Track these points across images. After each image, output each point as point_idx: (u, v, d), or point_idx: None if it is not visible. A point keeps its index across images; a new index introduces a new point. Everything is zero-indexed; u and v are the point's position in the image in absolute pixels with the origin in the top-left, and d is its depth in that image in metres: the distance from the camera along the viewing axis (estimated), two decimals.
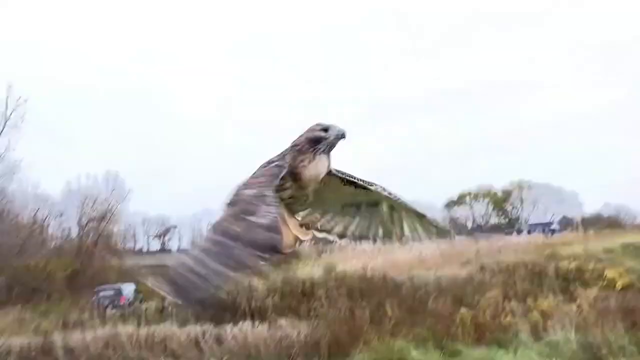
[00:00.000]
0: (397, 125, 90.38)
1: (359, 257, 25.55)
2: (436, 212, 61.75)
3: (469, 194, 65.01)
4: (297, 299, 17.08)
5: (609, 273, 17.34)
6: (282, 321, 12.83)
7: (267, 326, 12.50)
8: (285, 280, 18.61)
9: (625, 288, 15.73)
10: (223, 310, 15.48)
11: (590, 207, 66.30)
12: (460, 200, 65.01)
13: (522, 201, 63.59)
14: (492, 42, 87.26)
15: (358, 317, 12.15)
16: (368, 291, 17.13)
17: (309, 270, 22.51)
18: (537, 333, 10.75)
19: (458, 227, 58.00)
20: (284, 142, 1.98)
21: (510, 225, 58.34)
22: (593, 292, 13.33)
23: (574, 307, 11.91)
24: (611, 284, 16.29)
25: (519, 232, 45.69)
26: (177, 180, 76.78)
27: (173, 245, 59.46)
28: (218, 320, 13.88)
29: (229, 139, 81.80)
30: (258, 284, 17.97)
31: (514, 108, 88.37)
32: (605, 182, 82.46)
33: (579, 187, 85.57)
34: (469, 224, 62.80)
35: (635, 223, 49.85)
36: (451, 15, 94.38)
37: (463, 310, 11.68)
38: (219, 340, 11.82)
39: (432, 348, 10.24)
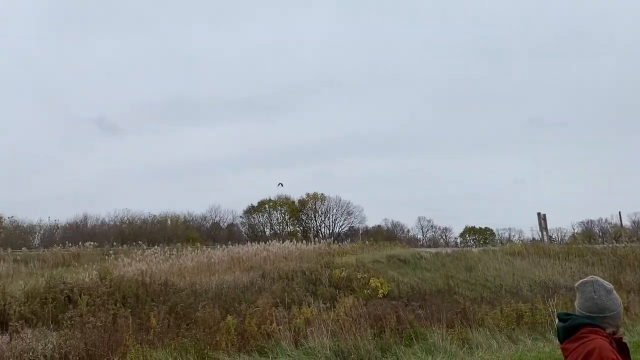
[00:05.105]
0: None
1: (144, 261, 24.80)
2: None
3: (269, 201, 66.42)
4: (61, 306, 15.57)
5: (373, 282, 18.83)
6: (29, 331, 11.38)
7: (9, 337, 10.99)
8: (50, 286, 16.86)
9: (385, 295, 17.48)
10: None
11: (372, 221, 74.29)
12: (259, 207, 66.42)
13: (315, 211, 67.04)
14: None
15: (120, 325, 11.28)
16: (144, 297, 16.50)
17: (82, 274, 20.44)
18: (298, 340, 11.03)
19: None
20: None
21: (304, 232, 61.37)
22: (351, 299, 13.89)
23: (332, 314, 12.36)
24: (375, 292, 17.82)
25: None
26: None
27: None
28: None
29: None
30: (17, 289, 16.91)
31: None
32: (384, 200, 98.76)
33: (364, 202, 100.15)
34: (267, 230, 64.60)
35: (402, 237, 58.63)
36: None
37: (229, 317, 11.53)
38: None
39: (193, 358, 9.88)
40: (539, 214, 35.84)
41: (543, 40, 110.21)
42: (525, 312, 13.78)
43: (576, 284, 3.19)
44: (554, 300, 14.50)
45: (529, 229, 59.53)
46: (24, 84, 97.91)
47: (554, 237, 56.43)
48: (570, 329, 3.02)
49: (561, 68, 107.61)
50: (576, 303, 3.15)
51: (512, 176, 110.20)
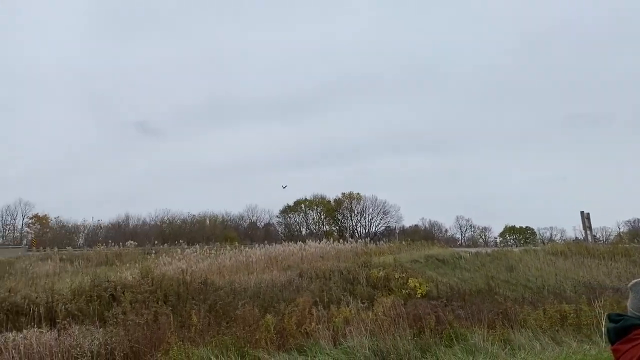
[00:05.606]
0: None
1: (184, 260, 25.59)
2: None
3: (305, 201, 66.96)
4: (105, 304, 16.03)
5: (411, 282, 18.75)
6: (76, 328, 11.63)
7: (57, 333, 11.13)
8: (95, 284, 17.26)
9: (423, 295, 17.57)
10: (19, 315, 14.69)
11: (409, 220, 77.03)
12: (295, 207, 67.04)
13: (351, 210, 67.02)
14: None
15: (161, 323, 11.59)
16: (185, 296, 16.89)
17: (124, 273, 21.22)
18: (337, 339, 11.05)
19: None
20: None
21: (340, 232, 61.70)
22: (389, 299, 13.79)
23: (370, 313, 12.35)
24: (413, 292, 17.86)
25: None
26: None
27: None
28: (15, 327, 13.18)
29: None
30: (64, 287, 17.31)
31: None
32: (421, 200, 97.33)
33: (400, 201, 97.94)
34: (303, 230, 65.31)
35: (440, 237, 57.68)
36: None
37: (269, 316, 11.63)
38: None
39: (233, 356, 9.97)
40: (582, 212, 34.80)
41: (587, 35, 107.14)
42: (570, 314, 13.42)
43: (629, 284, 3.10)
44: (600, 302, 14.09)
45: (572, 229, 58.23)
46: (69, 88, 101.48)
47: (598, 236, 54.65)
48: (622, 330, 2.93)
49: (606, 62, 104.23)
50: (628, 304, 3.05)
51: (554, 174, 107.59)
